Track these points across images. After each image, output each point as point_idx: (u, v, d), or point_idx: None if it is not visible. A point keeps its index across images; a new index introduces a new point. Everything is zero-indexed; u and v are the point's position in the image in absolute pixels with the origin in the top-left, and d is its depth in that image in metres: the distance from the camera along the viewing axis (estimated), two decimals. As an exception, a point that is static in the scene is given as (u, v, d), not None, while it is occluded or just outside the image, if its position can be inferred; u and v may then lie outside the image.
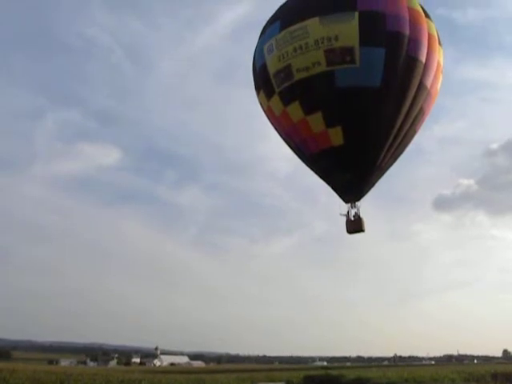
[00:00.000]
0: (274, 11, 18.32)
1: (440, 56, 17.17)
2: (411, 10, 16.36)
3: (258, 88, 18.63)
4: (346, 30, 15.59)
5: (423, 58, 16.22)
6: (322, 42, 15.70)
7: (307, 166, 18.79)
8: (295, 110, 16.81)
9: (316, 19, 15.91)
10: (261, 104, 18.97)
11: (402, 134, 16.82)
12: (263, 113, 19.22)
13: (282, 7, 17.87)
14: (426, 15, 16.94)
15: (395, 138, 16.73)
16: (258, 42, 18.26)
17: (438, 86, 17.63)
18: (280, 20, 17.11)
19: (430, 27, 16.73)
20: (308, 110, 16.52)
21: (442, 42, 17.46)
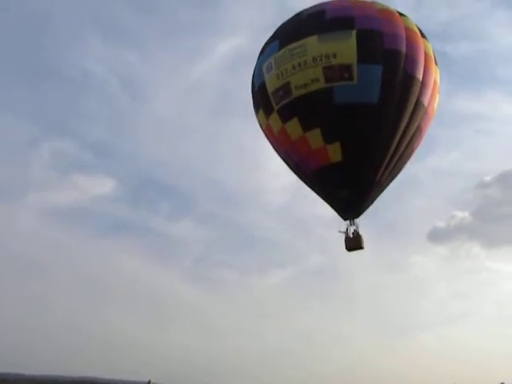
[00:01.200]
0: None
1: (437, 75, 17.40)
2: (408, 30, 16.66)
3: (256, 107, 18.73)
4: (344, 47, 15.82)
5: (420, 76, 16.42)
6: (321, 60, 15.90)
7: (306, 183, 18.75)
8: (294, 127, 16.86)
9: (314, 37, 16.17)
10: (259, 123, 19.06)
11: (400, 150, 16.86)
12: (262, 132, 19.28)
13: (280, 27, 18.18)
14: (423, 35, 17.26)
15: (393, 154, 16.76)
16: (257, 62, 18.47)
17: (435, 104, 17.78)
18: (279, 39, 17.38)
19: (427, 47, 17.02)
20: (307, 126, 16.59)
21: (438, 63, 17.69)
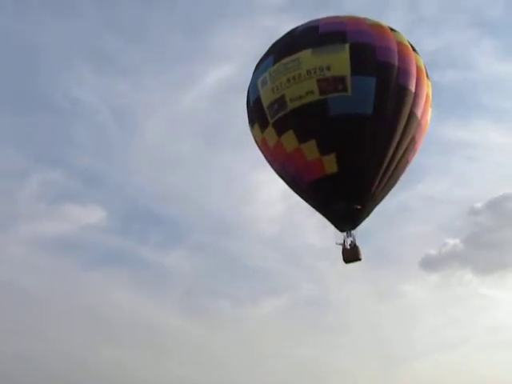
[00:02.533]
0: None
1: (429, 88, 17.71)
2: (399, 44, 17.07)
3: (252, 122, 18.89)
4: (338, 60, 16.12)
5: (413, 88, 16.71)
6: (315, 72, 16.15)
7: (302, 197, 18.79)
8: (290, 140, 16.98)
9: (308, 51, 16.48)
10: (255, 138, 19.19)
11: (395, 161, 17.01)
12: (257, 148, 19.41)
13: (274, 44, 18.55)
14: (414, 50, 17.66)
15: (388, 165, 16.89)
16: (252, 77, 18.75)
17: (428, 117, 18.05)
18: (273, 54, 17.71)
19: (418, 60, 17.39)
20: (302, 138, 16.73)
21: (429, 76, 18.04)
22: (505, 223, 50.69)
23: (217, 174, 60.35)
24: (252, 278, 52.21)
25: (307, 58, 16.38)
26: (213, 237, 54.49)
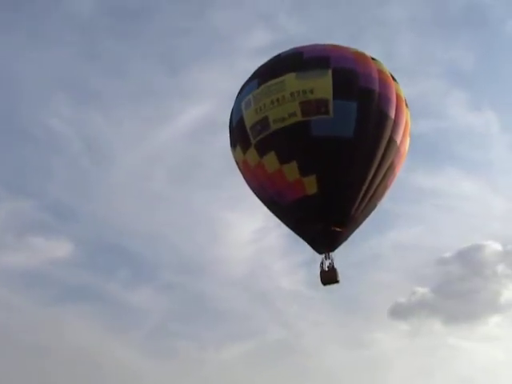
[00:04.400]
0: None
1: (408, 117, 18.20)
2: (380, 72, 17.63)
3: (233, 144, 19.04)
4: (321, 84, 16.53)
5: (392, 115, 17.16)
6: (298, 95, 16.49)
7: (280, 218, 18.82)
8: (271, 161, 17.13)
9: (292, 74, 16.87)
10: (236, 160, 19.32)
11: (375, 185, 17.24)
12: (238, 170, 19.52)
13: (259, 68, 18.97)
14: (394, 79, 18.20)
15: (368, 188, 17.10)
16: (236, 100, 19.02)
17: (407, 145, 18.48)
18: (258, 78, 18.08)
19: (398, 89, 17.93)
20: (283, 159, 16.89)
21: (408, 106, 18.55)
22: (474, 273, 50.68)
23: (189, 213, 59.70)
24: (219, 320, 51.01)
25: (291, 81, 16.75)
26: (181, 276, 53.43)
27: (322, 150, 16.43)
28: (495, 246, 50.18)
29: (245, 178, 19.20)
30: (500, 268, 49.35)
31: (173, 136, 60.47)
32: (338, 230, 17.18)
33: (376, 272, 53.13)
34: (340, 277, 17.17)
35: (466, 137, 62.52)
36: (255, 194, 19.15)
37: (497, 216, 56.16)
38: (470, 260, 50.61)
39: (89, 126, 61.78)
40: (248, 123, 17.63)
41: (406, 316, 51.49)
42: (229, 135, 19.59)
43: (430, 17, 65.01)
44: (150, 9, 62.16)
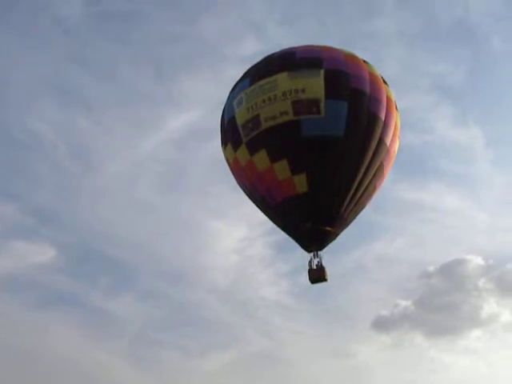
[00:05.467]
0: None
1: (398, 119, 18.42)
2: (371, 75, 17.86)
3: (225, 142, 19.10)
4: (313, 84, 16.69)
5: (383, 116, 17.36)
6: (290, 94, 16.63)
7: (269, 217, 18.88)
8: (262, 159, 17.20)
9: (285, 74, 17.02)
10: (226, 158, 19.36)
11: (364, 185, 17.39)
12: (229, 169, 19.55)
13: (251, 68, 19.08)
14: (385, 82, 18.42)
15: (357, 188, 17.24)
16: (228, 99, 19.10)
17: (396, 147, 18.66)
18: (250, 76, 18.19)
19: (388, 91, 18.17)
20: (274, 157, 16.98)
21: (398, 108, 18.77)
22: (456, 287, 50.92)
23: (173, 221, 59.09)
24: (202, 329, 50.48)
25: (284, 80, 16.89)
26: (164, 284, 52.92)
27: (311, 149, 16.56)
28: (477, 261, 50.52)
29: (235, 176, 19.25)
30: (481, 282, 49.74)
31: (159, 143, 59.98)
32: (327, 228, 17.27)
33: (360, 284, 53.25)
34: (328, 275, 17.24)
35: (451, 151, 62.56)
36: (245, 192, 19.20)
37: (480, 230, 56.10)
38: (452, 274, 50.81)
39: (75, 130, 60.84)
40: (239, 121, 17.71)
41: (389, 328, 51.60)
42: (220, 134, 19.64)
43: (419, 31, 65.35)
44: (139, 14, 61.65)
